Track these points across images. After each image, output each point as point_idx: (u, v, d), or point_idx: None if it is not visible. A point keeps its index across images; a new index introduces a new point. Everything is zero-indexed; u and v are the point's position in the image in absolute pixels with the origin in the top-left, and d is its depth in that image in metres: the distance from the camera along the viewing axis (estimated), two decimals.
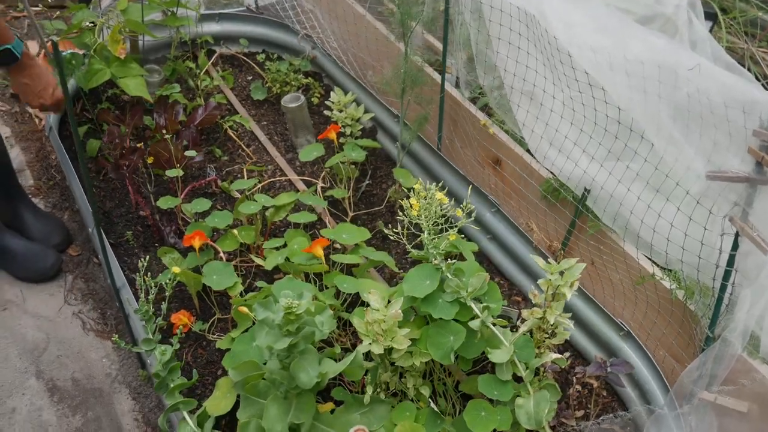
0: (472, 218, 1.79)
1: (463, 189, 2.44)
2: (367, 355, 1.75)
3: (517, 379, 1.73)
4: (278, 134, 2.94)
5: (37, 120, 3.08)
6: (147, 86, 2.71)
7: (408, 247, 1.96)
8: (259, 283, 2.09)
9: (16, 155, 2.90)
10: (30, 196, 2.69)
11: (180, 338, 1.86)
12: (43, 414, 2.11)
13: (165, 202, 2.35)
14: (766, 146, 1.36)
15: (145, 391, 2.18)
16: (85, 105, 2.84)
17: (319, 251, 2.03)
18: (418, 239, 1.82)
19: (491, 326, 1.73)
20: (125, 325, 2.18)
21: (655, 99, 1.48)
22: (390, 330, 1.70)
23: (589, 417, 1.97)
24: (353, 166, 2.58)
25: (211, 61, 3.14)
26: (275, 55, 3.29)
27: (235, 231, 2.26)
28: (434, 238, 1.77)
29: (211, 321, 2.17)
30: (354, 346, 2.06)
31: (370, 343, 1.69)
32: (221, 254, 2.20)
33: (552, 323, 1.73)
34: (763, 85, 2.44)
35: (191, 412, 1.81)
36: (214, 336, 2.14)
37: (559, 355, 1.75)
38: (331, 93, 2.83)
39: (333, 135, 2.54)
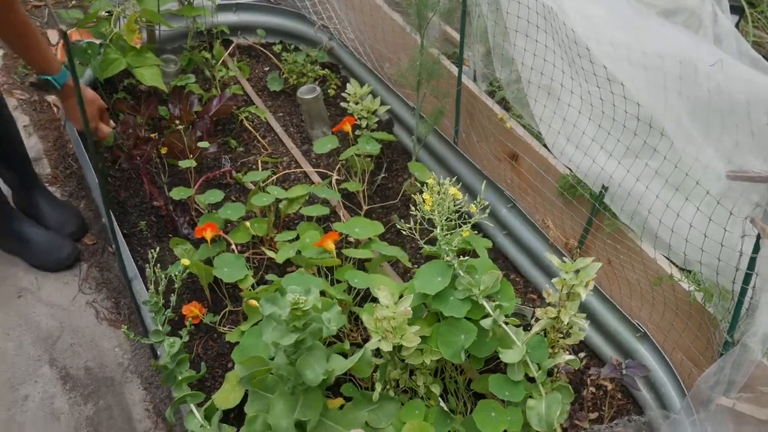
0: (486, 214, 1.76)
1: (479, 184, 2.40)
2: (378, 352, 1.73)
3: (530, 379, 1.70)
4: (294, 126, 2.92)
5: (55, 109, 3.09)
6: (163, 76, 2.70)
7: (421, 242, 1.93)
8: (270, 277, 2.07)
9: (34, 144, 2.92)
10: (47, 184, 2.70)
11: (191, 330, 1.86)
12: (55, 402, 2.12)
13: (178, 193, 2.35)
14: None
15: (157, 382, 2.18)
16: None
17: (330, 245, 2.01)
18: (432, 234, 1.79)
19: (503, 325, 1.69)
20: (137, 315, 2.18)
21: (675, 95, 1.44)
22: (399, 327, 1.67)
23: (603, 419, 1.93)
24: (368, 159, 2.55)
25: (228, 52, 3.13)
26: (292, 46, 3.27)
27: (247, 223, 2.25)
28: (447, 234, 1.74)
29: (222, 313, 2.17)
30: (366, 341, 2.04)
31: (379, 340, 1.67)
32: (233, 246, 2.19)
33: (566, 323, 1.70)
34: None
35: (199, 405, 1.81)
36: (225, 328, 2.13)
37: (572, 357, 1.71)
38: (348, 85, 2.80)
39: (348, 127, 2.51)
